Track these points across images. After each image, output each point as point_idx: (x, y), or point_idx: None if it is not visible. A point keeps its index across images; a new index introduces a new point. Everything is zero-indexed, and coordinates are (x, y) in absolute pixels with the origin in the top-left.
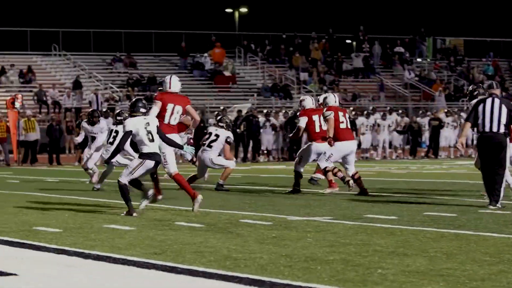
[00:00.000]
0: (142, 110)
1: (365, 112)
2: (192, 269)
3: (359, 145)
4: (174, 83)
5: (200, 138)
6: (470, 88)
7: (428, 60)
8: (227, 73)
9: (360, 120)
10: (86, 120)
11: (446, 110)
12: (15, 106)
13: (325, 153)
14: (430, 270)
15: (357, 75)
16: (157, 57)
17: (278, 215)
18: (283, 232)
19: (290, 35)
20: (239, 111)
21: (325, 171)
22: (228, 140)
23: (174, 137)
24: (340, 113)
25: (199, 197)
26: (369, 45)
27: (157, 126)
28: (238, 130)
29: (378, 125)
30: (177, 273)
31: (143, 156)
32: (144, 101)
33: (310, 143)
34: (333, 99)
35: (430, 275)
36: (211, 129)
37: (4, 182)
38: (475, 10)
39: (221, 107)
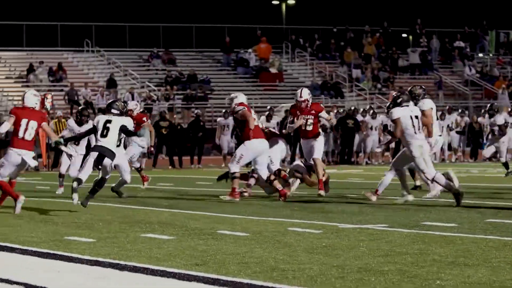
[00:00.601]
0: (114, 111)
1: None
2: (236, 281)
3: None
4: (29, 98)
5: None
6: (394, 94)
7: (491, 55)
8: (273, 70)
9: None
10: (74, 118)
11: (510, 109)
12: (45, 106)
13: (235, 155)
14: (493, 281)
15: (414, 71)
16: (198, 53)
17: (328, 222)
18: (334, 241)
19: (341, 29)
20: (287, 111)
21: (233, 177)
22: None
23: (28, 154)
24: (252, 111)
25: (22, 197)
26: (426, 40)
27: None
28: (284, 131)
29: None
30: (220, 285)
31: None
32: (118, 103)
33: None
34: (243, 98)
35: (492, 287)
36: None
37: (33, 189)
38: None
39: (268, 107)
